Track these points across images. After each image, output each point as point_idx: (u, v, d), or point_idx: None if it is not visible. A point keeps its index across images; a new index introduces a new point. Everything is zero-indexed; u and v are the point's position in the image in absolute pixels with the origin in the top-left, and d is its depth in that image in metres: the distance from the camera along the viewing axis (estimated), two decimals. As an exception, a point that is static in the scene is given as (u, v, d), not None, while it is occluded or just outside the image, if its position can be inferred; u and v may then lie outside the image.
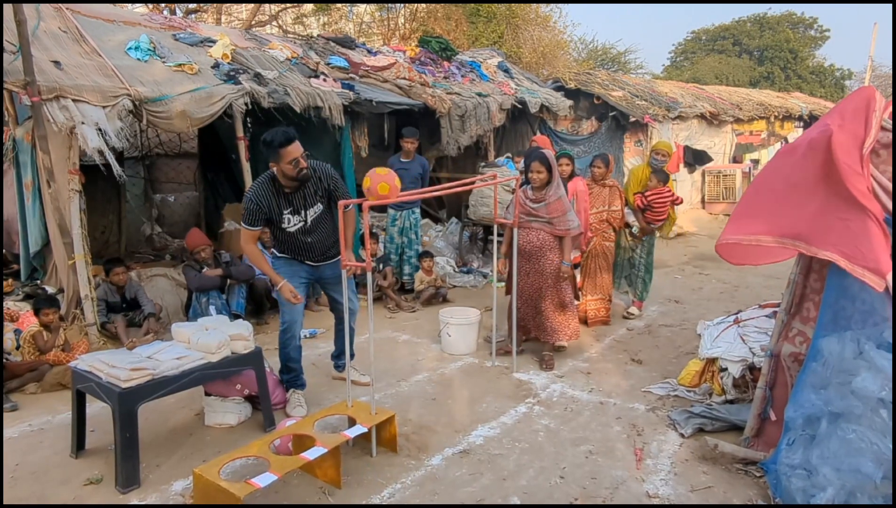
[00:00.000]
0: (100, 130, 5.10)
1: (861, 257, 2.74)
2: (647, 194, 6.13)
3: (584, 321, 6.04)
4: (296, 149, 3.73)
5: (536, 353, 5.20)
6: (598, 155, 6.13)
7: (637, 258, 6.32)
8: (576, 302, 5.91)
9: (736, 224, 3.23)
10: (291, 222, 3.97)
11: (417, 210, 7.36)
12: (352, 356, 4.37)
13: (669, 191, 6.15)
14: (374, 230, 8.17)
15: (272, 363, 4.39)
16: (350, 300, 4.11)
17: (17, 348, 4.88)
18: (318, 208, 4.04)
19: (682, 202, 6.36)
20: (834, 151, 2.82)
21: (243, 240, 4.00)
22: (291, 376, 4.32)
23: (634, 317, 6.30)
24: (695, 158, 12.51)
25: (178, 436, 3.89)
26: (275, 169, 3.81)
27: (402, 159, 7.14)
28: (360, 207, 3.84)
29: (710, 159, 12.73)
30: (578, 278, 5.83)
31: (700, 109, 12.88)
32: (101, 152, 5.06)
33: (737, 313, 4.73)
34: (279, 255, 4.19)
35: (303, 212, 3.97)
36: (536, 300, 4.99)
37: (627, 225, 6.25)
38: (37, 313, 4.93)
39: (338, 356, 4.70)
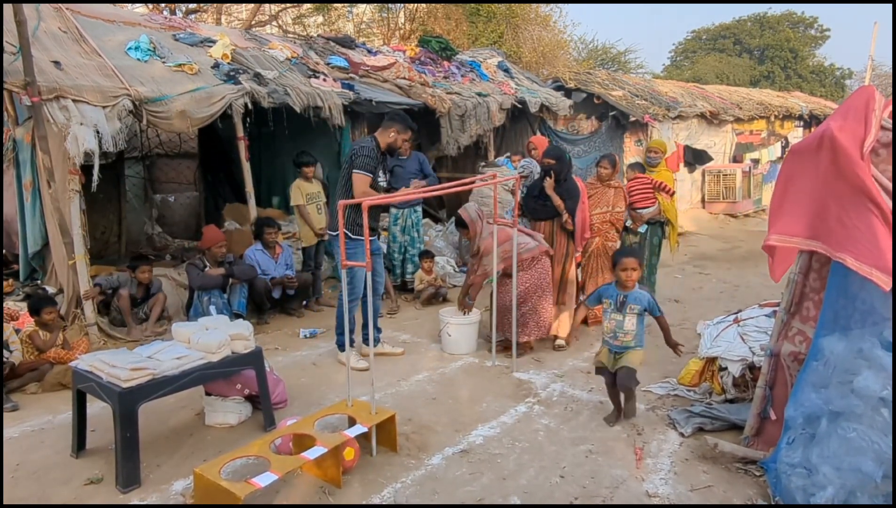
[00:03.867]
0: (97, 131, 5.10)
1: (867, 255, 2.74)
2: (627, 184, 6.25)
3: (585, 321, 6.04)
4: (409, 136, 5.03)
5: (536, 352, 5.20)
6: (605, 155, 6.05)
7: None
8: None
9: (773, 226, 3.20)
10: (381, 178, 4.96)
11: (419, 208, 7.34)
12: (378, 331, 5.04)
13: (648, 178, 6.21)
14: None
15: (272, 362, 4.40)
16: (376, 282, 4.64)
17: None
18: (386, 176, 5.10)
19: (673, 193, 6.31)
20: (835, 151, 2.82)
21: (361, 188, 4.61)
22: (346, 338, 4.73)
23: None
24: (695, 158, 12.51)
25: (178, 436, 3.89)
26: (381, 136, 4.82)
27: (400, 157, 7.10)
28: (359, 206, 3.87)
29: (710, 159, 12.72)
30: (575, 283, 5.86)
31: (700, 108, 12.86)
32: (92, 154, 5.06)
33: (736, 313, 4.73)
34: (353, 237, 4.67)
35: (385, 174, 5.08)
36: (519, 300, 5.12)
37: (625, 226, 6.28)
38: (32, 313, 4.92)
39: (364, 326, 4.92)
